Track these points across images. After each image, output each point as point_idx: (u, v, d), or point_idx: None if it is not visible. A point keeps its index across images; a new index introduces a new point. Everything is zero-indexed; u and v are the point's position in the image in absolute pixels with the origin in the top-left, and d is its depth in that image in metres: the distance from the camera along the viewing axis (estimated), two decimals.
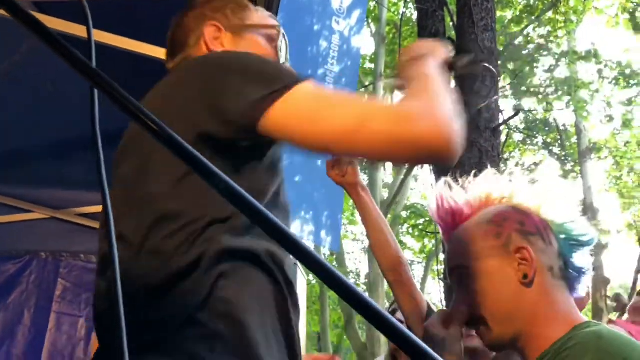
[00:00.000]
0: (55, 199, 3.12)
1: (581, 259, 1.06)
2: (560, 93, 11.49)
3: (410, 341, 0.38)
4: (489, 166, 4.30)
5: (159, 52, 1.77)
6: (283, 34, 1.14)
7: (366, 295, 0.38)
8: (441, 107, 0.82)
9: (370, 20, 11.27)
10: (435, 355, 0.38)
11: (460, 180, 1.15)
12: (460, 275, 1.06)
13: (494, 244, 1.03)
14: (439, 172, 4.11)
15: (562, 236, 1.06)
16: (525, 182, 1.11)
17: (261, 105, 0.83)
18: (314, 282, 10.50)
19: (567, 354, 0.92)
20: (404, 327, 0.38)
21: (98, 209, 3.00)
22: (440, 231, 1.17)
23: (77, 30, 1.68)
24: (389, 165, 15.87)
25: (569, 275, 1.04)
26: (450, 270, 1.10)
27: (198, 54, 1.04)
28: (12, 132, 2.49)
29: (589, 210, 12.36)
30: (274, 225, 0.40)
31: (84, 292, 3.28)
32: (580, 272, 1.06)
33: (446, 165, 0.83)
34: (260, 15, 1.14)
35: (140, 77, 1.98)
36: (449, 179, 1.14)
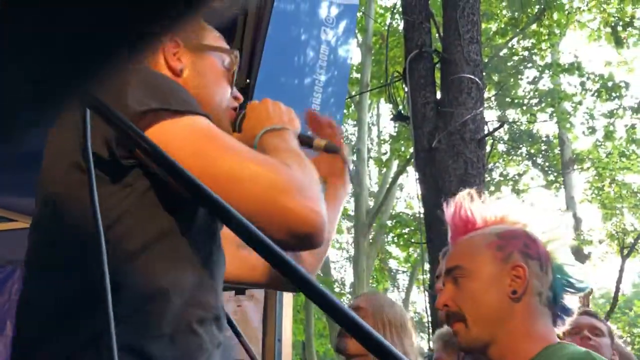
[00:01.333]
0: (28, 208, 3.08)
1: (570, 301, 1.15)
2: (543, 104, 11.63)
3: (374, 340, 0.38)
4: (474, 176, 4.33)
5: None
6: (238, 60, 1.14)
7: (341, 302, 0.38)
8: (315, 188, 0.84)
9: (357, 31, 11.33)
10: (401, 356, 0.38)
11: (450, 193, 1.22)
12: (456, 275, 1.13)
13: (495, 255, 1.11)
14: (425, 182, 4.14)
15: (558, 275, 1.13)
16: (543, 215, 1.19)
17: (148, 117, 0.82)
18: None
19: None
20: (373, 331, 0.38)
21: None
22: (449, 234, 1.25)
23: None
24: (374, 174, 15.76)
25: (555, 310, 1.13)
26: (449, 269, 1.16)
27: (155, 66, 1.03)
28: None
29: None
30: (253, 233, 0.40)
31: None
32: (566, 311, 1.15)
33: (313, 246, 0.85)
34: (215, 36, 1.12)
35: None
36: (472, 191, 1.22)
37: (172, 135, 0.80)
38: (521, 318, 1.07)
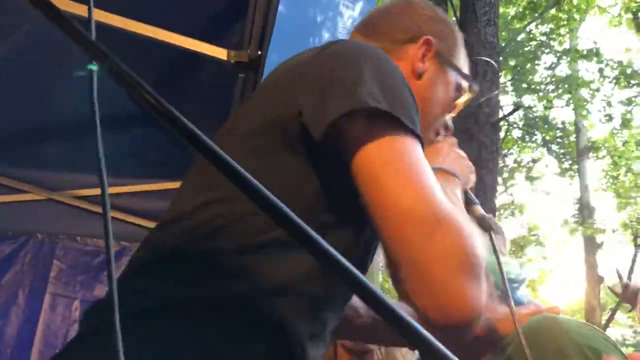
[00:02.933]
0: (53, 181, 3.11)
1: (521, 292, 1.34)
2: (560, 91, 11.48)
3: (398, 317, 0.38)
4: (487, 160, 4.30)
5: (160, 34, 1.76)
6: (471, 90, 1.07)
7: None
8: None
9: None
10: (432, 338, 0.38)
11: None
12: None
13: None
14: None
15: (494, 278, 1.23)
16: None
17: (377, 119, 0.71)
18: None
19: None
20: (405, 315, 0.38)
21: (96, 191, 2.99)
22: None
23: (78, 9, 1.67)
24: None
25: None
26: None
27: (396, 59, 0.92)
28: (11, 112, 2.48)
29: (585, 208, 12.39)
30: (270, 201, 0.40)
31: (79, 274, 3.28)
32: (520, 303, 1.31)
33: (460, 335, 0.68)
34: (464, 61, 1.07)
35: (142, 60, 1.98)
36: None
37: (393, 156, 0.70)
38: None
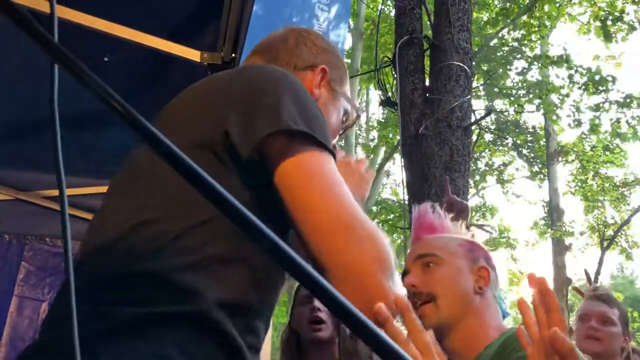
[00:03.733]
0: (20, 180, 3.05)
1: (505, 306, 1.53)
2: (531, 96, 11.68)
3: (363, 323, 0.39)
4: (459, 163, 4.34)
5: (133, 35, 1.74)
6: (357, 115, 1.18)
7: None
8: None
9: (349, 16, 11.24)
10: (403, 352, 0.39)
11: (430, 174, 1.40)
12: (429, 260, 1.32)
13: (466, 254, 1.33)
14: (411, 168, 4.15)
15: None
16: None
17: (297, 138, 0.80)
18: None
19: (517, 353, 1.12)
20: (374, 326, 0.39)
21: (67, 191, 2.94)
22: (412, 230, 1.45)
23: (41, 5, 1.64)
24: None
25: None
26: (422, 255, 1.34)
27: (303, 82, 1.02)
28: None
29: (554, 211, 12.64)
30: (244, 216, 0.40)
31: (48, 276, 3.23)
32: (505, 314, 1.48)
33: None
34: (349, 87, 1.18)
35: (112, 60, 1.95)
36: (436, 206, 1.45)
37: (313, 169, 0.79)
38: (482, 309, 1.27)
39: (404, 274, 1.36)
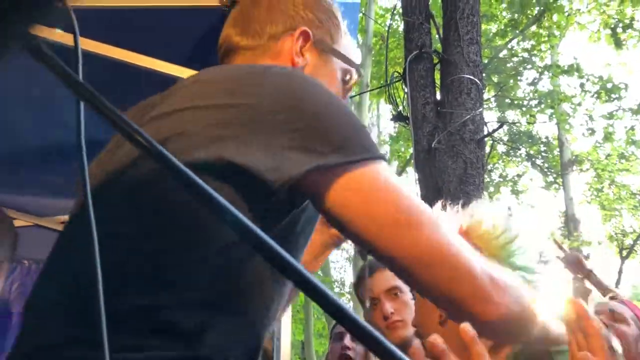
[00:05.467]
0: (39, 206, 3.09)
1: None
2: (543, 106, 11.64)
3: (383, 345, 0.39)
4: (473, 176, 4.32)
5: (147, 62, 1.77)
6: (358, 72, 1.01)
7: (345, 302, 0.39)
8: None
9: (357, 32, 11.32)
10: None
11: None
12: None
13: None
14: (425, 182, 4.15)
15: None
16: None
17: (326, 174, 0.71)
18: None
19: None
20: (376, 331, 0.39)
21: None
22: None
23: (65, 38, 1.68)
24: None
25: None
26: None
27: (273, 56, 0.91)
28: None
29: (570, 221, 12.50)
30: (251, 231, 0.41)
31: None
32: None
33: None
34: (348, 43, 1.00)
35: (129, 87, 1.98)
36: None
37: (367, 187, 0.72)
38: None
39: None
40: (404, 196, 0.73)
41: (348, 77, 0.99)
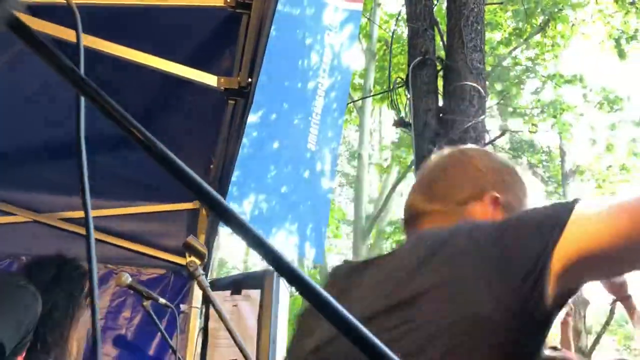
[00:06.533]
0: (38, 202, 3.09)
1: None
2: (545, 115, 11.64)
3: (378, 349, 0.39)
4: None
5: (150, 60, 1.77)
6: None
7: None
8: None
9: (361, 37, 11.35)
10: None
11: None
12: None
13: None
14: None
15: None
16: None
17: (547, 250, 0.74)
18: (296, 294, 10.44)
19: None
20: (374, 338, 0.39)
21: (81, 213, 2.97)
22: None
23: (68, 34, 1.68)
24: (374, 180, 15.72)
25: None
26: None
27: (459, 215, 0.96)
28: None
29: None
30: (251, 232, 0.41)
31: None
32: None
33: None
34: (530, 197, 1.05)
35: (130, 84, 1.98)
36: None
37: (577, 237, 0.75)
38: None
39: None
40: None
41: None
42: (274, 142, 3.70)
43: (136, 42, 1.79)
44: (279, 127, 3.66)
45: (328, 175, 3.79)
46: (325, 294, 0.40)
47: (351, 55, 4.03)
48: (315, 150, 3.64)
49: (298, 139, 3.62)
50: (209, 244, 2.98)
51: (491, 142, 4.62)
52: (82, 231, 3.06)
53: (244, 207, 3.50)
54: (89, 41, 1.69)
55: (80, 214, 3.02)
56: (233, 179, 3.04)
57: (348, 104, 9.58)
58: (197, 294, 3.02)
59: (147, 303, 2.14)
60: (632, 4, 9.65)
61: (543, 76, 11.73)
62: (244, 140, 3.29)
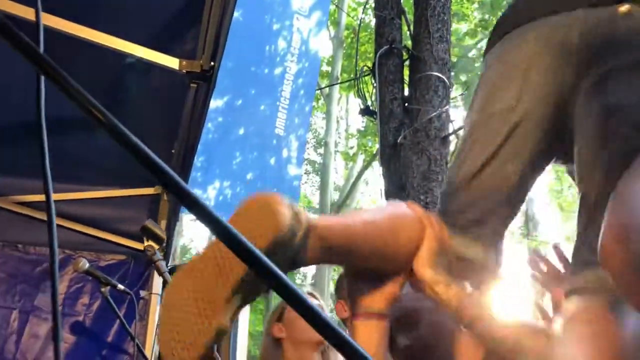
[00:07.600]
0: None
1: None
2: None
3: (340, 337, 0.39)
4: (436, 173, 4.36)
5: (111, 41, 1.72)
6: None
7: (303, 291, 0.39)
8: None
9: (329, 24, 11.31)
10: (363, 350, 0.39)
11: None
12: None
13: None
14: (389, 177, 4.18)
15: None
16: None
17: None
18: None
19: None
20: (335, 324, 0.39)
21: (39, 197, 2.89)
22: None
23: (27, 12, 1.62)
24: (340, 167, 15.73)
25: None
26: None
27: None
28: None
29: (530, 221, 12.81)
30: (214, 219, 0.40)
31: (19, 283, 3.15)
32: None
33: None
34: None
35: (90, 66, 1.93)
36: None
37: None
38: None
39: None
40: None
41: None
42: (240, 128, 3.67)
43: (97, 23, 1.74)
44: (245, 112, 3.62)
45: (295, 162, 3.78)
46: (295, 286, 0.39)
47: (319, 42, 4.01)
48: (283, 136, 3.62)
49: (264, 125, 3.60)
50: (170, 229, 2.95)
51: (455, 132, 4.69)
52: (39, 215, 2.99)
53: (208, 193, 3.47)
54: (48, 20, 1.64)
55: (36, 197, 2.94)
56: (197, 164, 3.00)
57: (316, 91, 9.55)
58: (158, 280, 2.98)
59: (105, 289, 2.10)
60: None
61: None
62: (209, 125, 3.24)
